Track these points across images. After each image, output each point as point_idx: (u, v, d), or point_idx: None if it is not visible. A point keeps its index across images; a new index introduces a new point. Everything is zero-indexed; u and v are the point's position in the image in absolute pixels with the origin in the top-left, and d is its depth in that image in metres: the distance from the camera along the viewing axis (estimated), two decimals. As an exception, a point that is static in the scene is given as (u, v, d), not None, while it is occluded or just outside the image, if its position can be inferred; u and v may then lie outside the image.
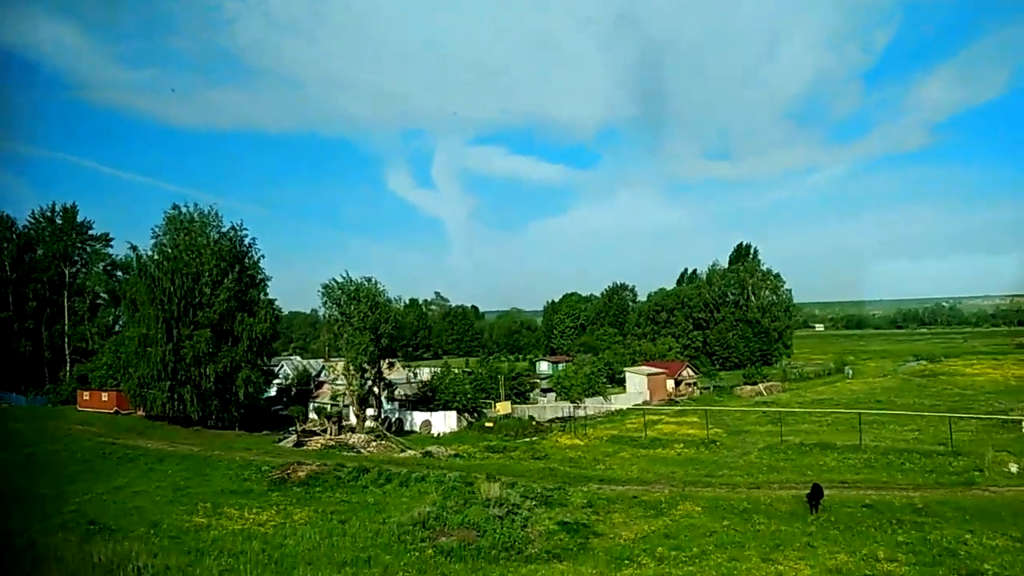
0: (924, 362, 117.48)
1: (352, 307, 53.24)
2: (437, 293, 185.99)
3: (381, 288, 54.97)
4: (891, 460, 40.78)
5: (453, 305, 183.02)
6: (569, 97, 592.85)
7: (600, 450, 49.69)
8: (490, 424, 55.68)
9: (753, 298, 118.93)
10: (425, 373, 69.11)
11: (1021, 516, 29.01)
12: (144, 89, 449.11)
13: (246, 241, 61.99)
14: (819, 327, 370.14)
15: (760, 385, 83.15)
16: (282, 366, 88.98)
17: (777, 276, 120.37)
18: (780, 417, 57.36)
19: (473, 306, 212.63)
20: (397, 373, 66.52)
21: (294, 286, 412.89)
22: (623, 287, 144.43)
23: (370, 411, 58.75)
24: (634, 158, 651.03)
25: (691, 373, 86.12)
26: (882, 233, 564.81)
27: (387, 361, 57.27)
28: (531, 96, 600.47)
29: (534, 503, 33.26)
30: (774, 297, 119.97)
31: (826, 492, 31.17)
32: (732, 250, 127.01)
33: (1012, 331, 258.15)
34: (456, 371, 66.38)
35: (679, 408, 67.45)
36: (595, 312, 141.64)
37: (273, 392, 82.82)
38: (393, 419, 59.47)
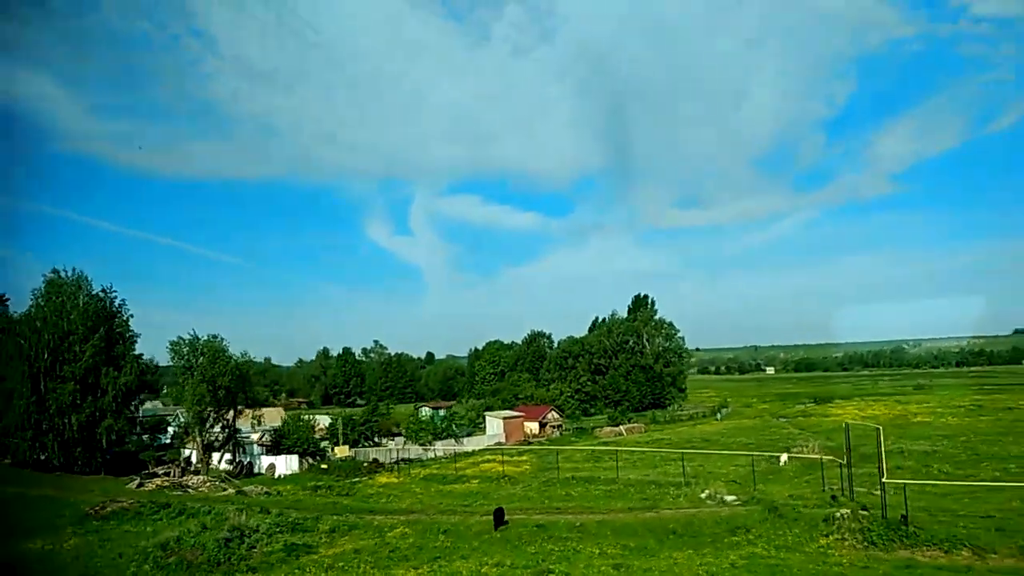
0: (812, 404, 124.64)
1: (194, 360, 59.66)
2: (376, 342, 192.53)
3: (224, 344, 61.53)
4: (625, 490, 47.38)
5: (392, 353, 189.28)
6: (543, 147, 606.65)
7: (408, 487, 56.00)
8: (325, 466, 61.79)
9: (648, 345, 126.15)
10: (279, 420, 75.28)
11: (654, 531, 35.59)
12: (121, 140, 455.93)
13: (116, 302, 68.39)
14: (770, 370, 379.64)
15: (622, 427, 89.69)
16: (177, 414, 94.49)
17: (671, 324, 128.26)
18: (598, 456, 64.01)
19: (429, 352, 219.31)
20: (270, 421, 72.81)
21: (269, 335, 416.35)
22: (541, 335, 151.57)
23: (227, 456, 64.86)
24: (608, 206, 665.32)
25: (556, 416, 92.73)
26: (849, 278, 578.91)
27: (233, 409, 63.37)
28: (506, 146, 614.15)
29: (280, 530, 39.48)
30: (668, 344, 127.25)
31: (537, 517, 37.63)
32: (631, 300, 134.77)
33: (970, 371, 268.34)
34: (305, 418, 72.53)
35: (525, 448, 73.86)
36: (515, 359, 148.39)
37: (167, 439, 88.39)
38: (245, 462, 65.45)
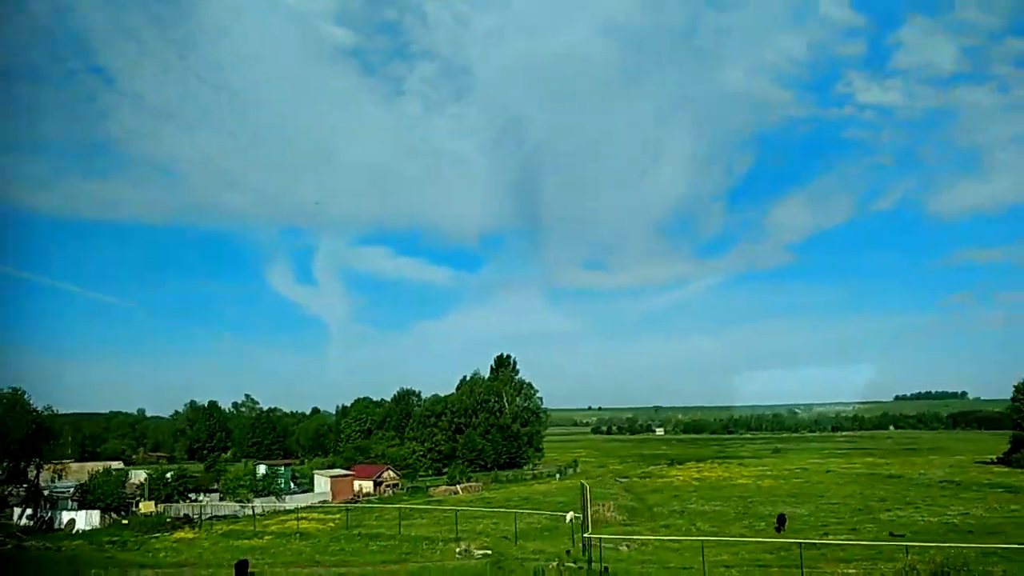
0: (667, 465, 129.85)
1: (-11, 413, 59.30)
2: (247, 395, 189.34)
3: (26, 396, 61.38)
4: (397, 545, 49.94)
5: (263, 407, 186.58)
6: (453, 202, 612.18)
7: (200, 542, 56.76)
8: (126, 521, 61.75)
9: (507, 405, 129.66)
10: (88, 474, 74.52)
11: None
12: (7, 176, 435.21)
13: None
14: (660, 431, 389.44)
15: (458, 486, 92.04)
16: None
17: (530, 385, 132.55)
18: (407, 513, 66.23)
19: (314, 407, 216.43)
20: (79, 474, 71.92)
21: (153, 384, 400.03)
22: (410, 392, 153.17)
23: (28, 511, 63.98)
24: (517, 264, 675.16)
25: (392, 475, 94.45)
26: (749, 343, 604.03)
27: (33, 463, 62.85)
28: (416, 199, 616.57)
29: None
30: (527, 404, 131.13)
31: (292, 570, 40.06)
32: (493, 360, 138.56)
33: (840, 436, 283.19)
34: (115, 472, 72.17)
35: (342, 506, 75.35)
36: (383, 416, 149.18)
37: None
38: (46, 517, 64.58)
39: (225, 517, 68.47)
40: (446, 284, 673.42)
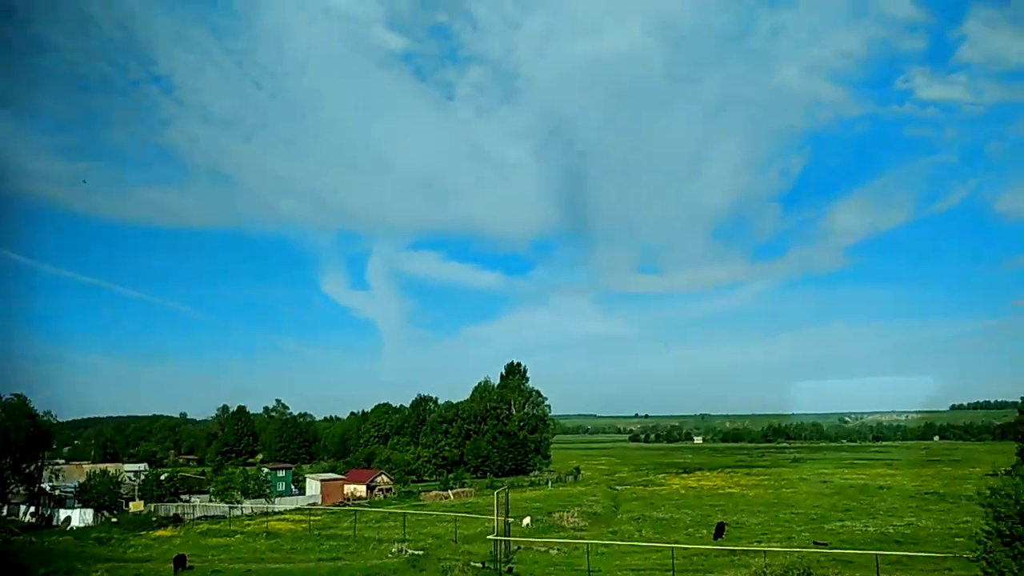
0: (680, 473, 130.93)
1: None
2: (278, 400, 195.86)
3: (28, 402, 66.69)
4: (346, 545, 53.24)
5: (294, 413, 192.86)
6: (503, 206, 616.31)
7: (176, 540, 60.96)
8: (115, 520, 66.44)
9: (515, 412, 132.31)
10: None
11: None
12: (72, 182, 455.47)
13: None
14: (698, 439, 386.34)
15: (450, 491, 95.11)
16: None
17: (538, 393, 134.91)
18: (387, 515, 69.55)
19: (352, 412, 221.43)
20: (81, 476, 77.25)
21: (225, 387, 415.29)
22: (427, 399, 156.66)
23: (32, 508, 69.42)
24: (567, 268, 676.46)
25: (386, 479, 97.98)
26: (802, 350, 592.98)
27: (36, 463, 68.10)
28: (467, 205, 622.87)
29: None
30: (535, 411, 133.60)
31: (233, 565, 43.86)
32: (504, 367, 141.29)
33: (875, 446, 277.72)
34: (111, 473, 77.09)
35: (328, 508, 79.14)
36: (401, 422, 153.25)
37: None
38: (47, 514, 69.84)
39: (212, 517, 72.73)
40: (497, 288, 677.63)
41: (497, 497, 45.25)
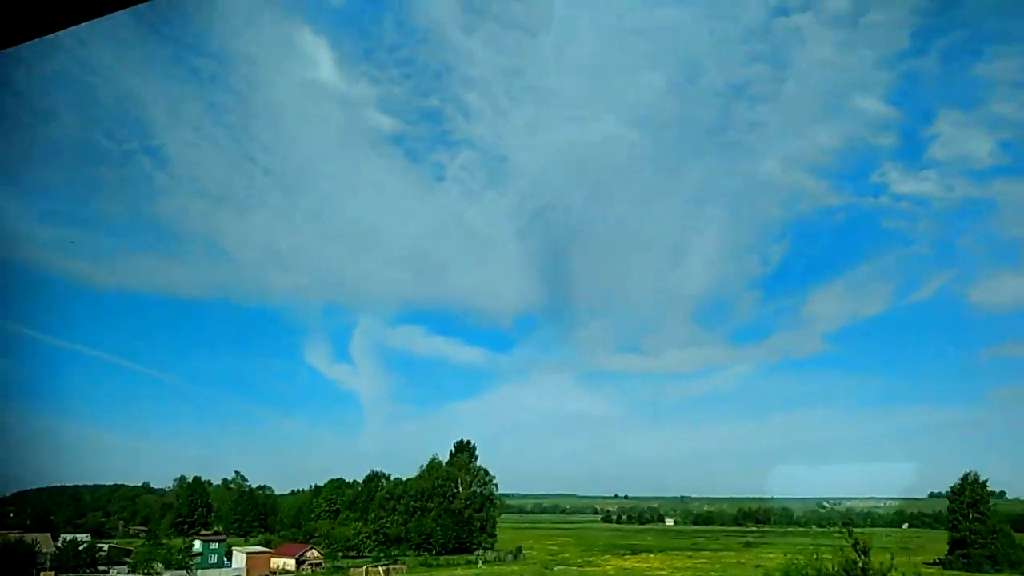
0: (627, 555, 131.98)
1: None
2: (237, 472, 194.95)
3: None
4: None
5: (252, 485, 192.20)
6: (488, 285, 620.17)
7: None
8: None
9: (461, 490, 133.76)
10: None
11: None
12: (63, 248, 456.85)
13: None
14: (669, 522, 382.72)
15: (380, 568, 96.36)
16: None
17: (485, 472, 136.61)
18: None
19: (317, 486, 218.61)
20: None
21: (199, 458, 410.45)
22: (379, 475, 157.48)
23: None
24: (550, 346, 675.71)
25: (316, 554, 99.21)
26: (783, 433, 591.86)
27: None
28: (453, 281, 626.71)
29: None
30: (481, 490, 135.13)
31: None
32: (453, 445, 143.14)
33: (873, 532, 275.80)
34: (27, 542, 78.36)
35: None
36: (353, 497, 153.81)
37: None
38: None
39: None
40: (481, 364, 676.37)
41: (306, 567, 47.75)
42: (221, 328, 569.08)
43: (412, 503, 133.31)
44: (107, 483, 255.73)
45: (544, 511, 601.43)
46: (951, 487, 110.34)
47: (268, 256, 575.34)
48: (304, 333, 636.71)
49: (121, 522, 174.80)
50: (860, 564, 26.92)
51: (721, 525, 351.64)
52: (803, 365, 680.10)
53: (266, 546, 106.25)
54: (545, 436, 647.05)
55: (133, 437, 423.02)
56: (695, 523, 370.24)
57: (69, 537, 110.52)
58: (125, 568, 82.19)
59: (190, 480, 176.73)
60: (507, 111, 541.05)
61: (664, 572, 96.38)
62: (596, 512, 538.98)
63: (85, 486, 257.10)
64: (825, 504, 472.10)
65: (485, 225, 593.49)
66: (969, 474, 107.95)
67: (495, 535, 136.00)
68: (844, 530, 31.37)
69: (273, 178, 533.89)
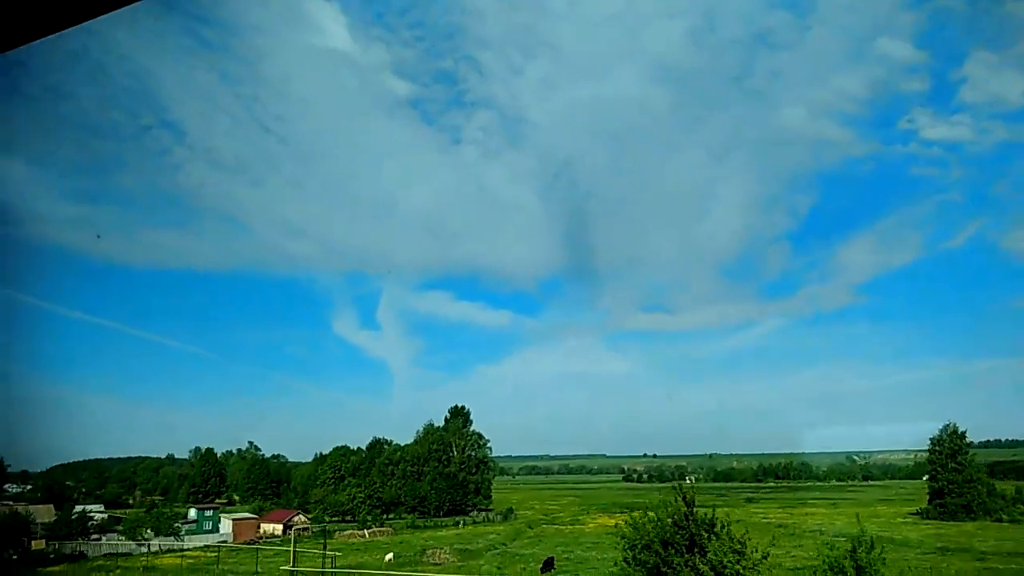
0: (608, 515, 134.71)
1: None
2: (250, 443, 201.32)
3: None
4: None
5: (265, 455, 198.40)
6: (510, 247, 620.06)
7: (68, 574, 66.89)
8: (15, 556, 72.31)
9: (456, 454, 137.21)
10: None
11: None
12: (85, 225, 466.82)
13: None
14: (689, 479, 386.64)
15: (366, 531, 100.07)
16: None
17: (479, 435, 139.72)
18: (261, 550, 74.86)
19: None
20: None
21: (234, 427, 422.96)
22: (382, 441, 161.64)
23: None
24: (575, 308, 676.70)
25: (303, 519, 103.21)
26: (816, 387, 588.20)
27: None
28: (474, 245, 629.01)
29: None
30: (475, 453, 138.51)
31: None
32: (448, 411, 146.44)
33: (888, 484, 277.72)
34: (20, 511, 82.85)
35: (227, 546, 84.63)
36: (357, 464, 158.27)
37: None
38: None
39: (118, 555, 78.35)
40: (507, 328, 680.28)
41: (294, 533, 50.59)
42: (245, 299, 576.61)
43: (408, 468, 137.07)
44: (134, 456, 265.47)
45: (571, 472, 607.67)
46: (930, 438, 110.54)
47: (287, 226, 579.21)
48: (328, 302, 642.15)
49: (139, 493, 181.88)
50: (683, 512, 28.56)
51: (742, 481, 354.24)
52: (834, 318, 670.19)
53: (258, 513, 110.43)
54: (572, 398, 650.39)
55: (161, 410, 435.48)
56: (714, 480, 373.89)
57: (79, 508, 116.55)
58: (114, 536, 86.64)
59: (203, 451, 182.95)
60: (522, 68, 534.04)
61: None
62: (622, 471, 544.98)
63: (112, 459, 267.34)
64: (855, 458, 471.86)
65: (505, 186, 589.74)
66: (949, 425, 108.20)
67: (490, 496, 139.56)
68: (677, 484, 32.93)
69: (289, 148, 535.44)
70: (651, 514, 33.78)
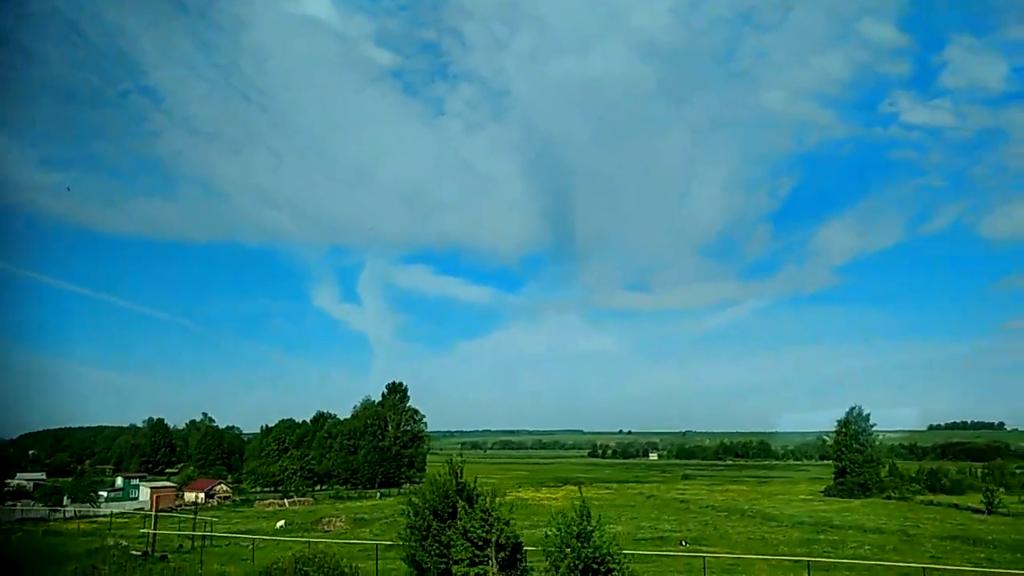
0: (548, 488, 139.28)
1: None
2: (204, 414, 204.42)
3: None
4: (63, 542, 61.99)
5: (220, 426, 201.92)
6: (493, 222, 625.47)
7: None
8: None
9: (390, 429, 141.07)
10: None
11: None
12: (62, 192, 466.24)
13: None
14: (653, 456, 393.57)
15: (286, 500, 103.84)
16: None
17: (415, 411, 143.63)
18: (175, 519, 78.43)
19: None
20: None
21: (218, 398, 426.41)
22: (326, 415, 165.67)
23: None
24: (557, 284, 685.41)
25: (225, 488, 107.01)
26: (794, 368, 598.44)
27: None
28: (456, 219, 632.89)
29: None
30: (410, 428, 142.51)
31: None
32: (385, 386, 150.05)
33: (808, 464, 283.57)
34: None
35: (146, 515, 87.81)
36: (300, 437, 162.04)
37: None
38: None
39: (28, 520, 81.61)
40: (488, 303, 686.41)
41: (154, 501, 53.93)
42: (225, 269, 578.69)
43: (345, 441, 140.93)
44: (95, 425, 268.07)
45: (544, 447, 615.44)
46: (837, 420, 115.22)
47: (266, 196, 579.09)
48: (307, 274, 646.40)
49: (89, 463, 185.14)
50: (453, 484, 32.36)
51: (703, 459, 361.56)
52: (814, 298, 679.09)
53: (186, 483, 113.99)
54: (552, 374, 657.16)
55: (133, 379, 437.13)
56: (677, 457, 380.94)
57: (15, 478, 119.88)
58: (31, 502, 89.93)
59: (154, 421, 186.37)
60: (507, 42, 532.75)
61: (556, 502, 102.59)
62: (596, 447, 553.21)
63: (79, 428, 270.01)
64: (825, 438, 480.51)
65: (488, 160, 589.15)
66: (854, 408, 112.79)
67: (424, 470, 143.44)
68: (450, 458, 36.43)
69: (269, 116, 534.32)
70: (430, 485, 37.16)
